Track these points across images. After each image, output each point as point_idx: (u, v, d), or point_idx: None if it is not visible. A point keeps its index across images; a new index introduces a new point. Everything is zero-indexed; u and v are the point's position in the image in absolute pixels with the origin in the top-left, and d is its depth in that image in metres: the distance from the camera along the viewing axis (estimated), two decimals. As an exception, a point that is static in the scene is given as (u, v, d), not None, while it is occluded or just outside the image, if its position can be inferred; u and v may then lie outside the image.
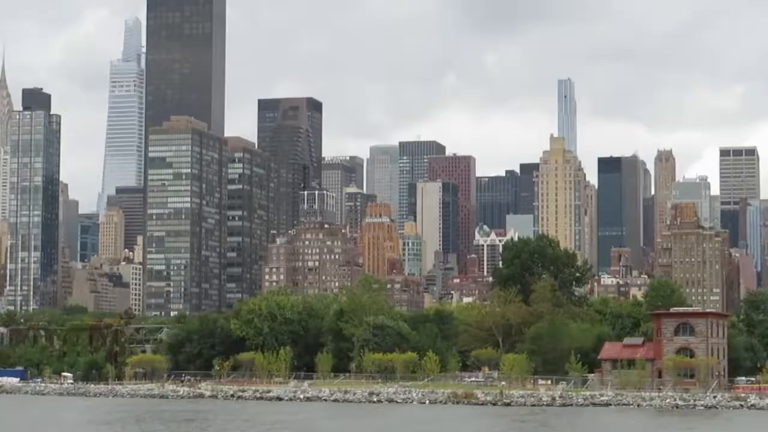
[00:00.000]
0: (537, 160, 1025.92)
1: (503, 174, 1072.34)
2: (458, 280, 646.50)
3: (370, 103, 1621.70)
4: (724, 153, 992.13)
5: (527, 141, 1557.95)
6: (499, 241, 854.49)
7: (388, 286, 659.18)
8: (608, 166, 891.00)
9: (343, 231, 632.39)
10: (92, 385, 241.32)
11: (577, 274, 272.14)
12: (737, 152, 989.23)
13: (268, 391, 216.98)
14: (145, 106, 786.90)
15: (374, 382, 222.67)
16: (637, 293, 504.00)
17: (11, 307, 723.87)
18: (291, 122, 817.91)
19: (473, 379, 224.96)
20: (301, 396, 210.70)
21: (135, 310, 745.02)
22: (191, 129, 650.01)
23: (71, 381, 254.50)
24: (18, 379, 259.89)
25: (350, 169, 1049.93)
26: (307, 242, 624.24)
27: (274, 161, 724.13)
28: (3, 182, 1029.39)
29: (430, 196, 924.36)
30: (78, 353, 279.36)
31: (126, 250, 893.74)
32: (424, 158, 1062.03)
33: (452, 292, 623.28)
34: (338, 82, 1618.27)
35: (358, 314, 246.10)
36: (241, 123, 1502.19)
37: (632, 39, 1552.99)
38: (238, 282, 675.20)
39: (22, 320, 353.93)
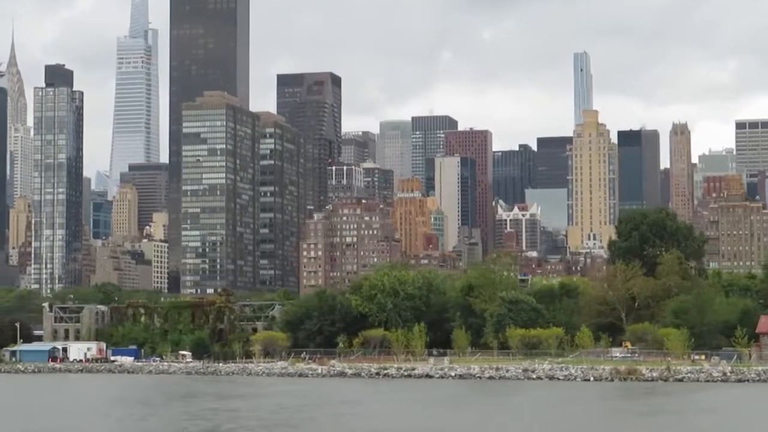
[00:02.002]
0: (550, 134, 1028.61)
1: (516, 148, 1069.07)
2: (495, 255, 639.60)
3: (366, 80, 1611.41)
4: (740, 126, 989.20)
5: (534, 115, 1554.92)
6: (522, 215, 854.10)
7: (424, 261, 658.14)
8: (628, 139, 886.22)
9: (381, 206, 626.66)
10: (221, 364, 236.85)
11: (696, 246, 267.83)
12: (753, 125, 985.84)
13: (413, 369, 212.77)
14: (170, 81, 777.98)
15: (520, 359, 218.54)
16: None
17: (36, 286, 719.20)
18: (316, 97, 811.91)
19: (618, 354, 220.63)
20: (452, 374, 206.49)
21: (156, 287, 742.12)
22: (225, 104, 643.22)
23: (190, 359, 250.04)
24: (132, 358, 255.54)
25: (363, 144, 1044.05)
26: (344, 218, 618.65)
27: (302, 137, 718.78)
28: (23, 159, 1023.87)
29: (449, 170, 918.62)
30: (180, 331, 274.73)
31: (148, 227, 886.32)
32: (438, 133, 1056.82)
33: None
34: (336, 59, 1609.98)
35: (488, 289, 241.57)
36: (258, 99, 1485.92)
37: (629, 14, 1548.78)
38: (270, 258, 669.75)
39: (115, 298, 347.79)
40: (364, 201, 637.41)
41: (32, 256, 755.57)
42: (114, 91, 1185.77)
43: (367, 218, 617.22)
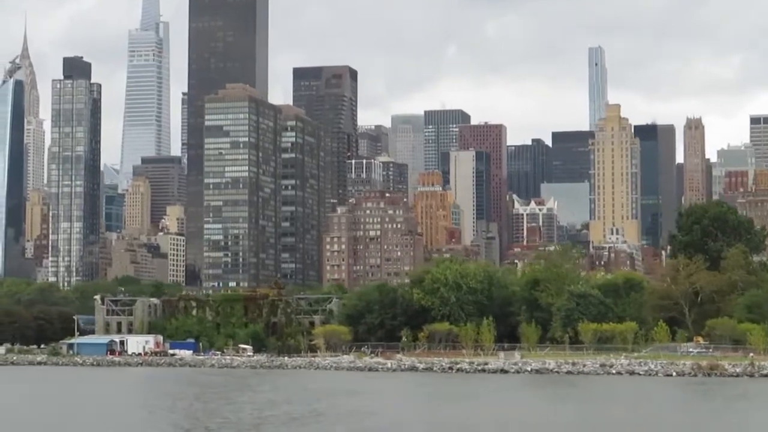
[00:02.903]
0: (563, 129, 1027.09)
1: (528, 143, 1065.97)
2: (518, 249, 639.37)
3: (370, 74, 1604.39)
4: (754, 120, 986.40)
5: (544, 110, 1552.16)
6: (539, 210, 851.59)
7: (447, 255, 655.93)
8: (644, 133, 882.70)
9: (404, 200, 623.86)
10: (287, 358, 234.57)
11: (758, 241, 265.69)
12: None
13: (486, 363, 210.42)
14: (188, 74, 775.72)
15: (593, 354, 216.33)
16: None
17: (53, 278, 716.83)
18: (335, 90, 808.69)
19: (690, 349, 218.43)
20: (528, 368, 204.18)
21: (172, 280, 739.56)
22: (248, 97, 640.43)
23: (251, 353, 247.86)
24: (191, 351, 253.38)
25: (376, 138, 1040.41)
26: (368, 211, 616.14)
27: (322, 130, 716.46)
28: (35, 151, 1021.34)
29: (464, 164, 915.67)
30: (233, 324, 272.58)
31: (164, 219, 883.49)
32: (450, 127, 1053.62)
33: (516, 261, 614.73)
34: (340, 53, 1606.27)
35: (555, 283, 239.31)
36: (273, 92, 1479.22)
37: (631, 10, 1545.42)
38: (291, 252, 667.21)
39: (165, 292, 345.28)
40: (387, 195, 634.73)
41: (49, 248, 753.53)
42: (125, 84, 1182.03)
43: (390, 212, 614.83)
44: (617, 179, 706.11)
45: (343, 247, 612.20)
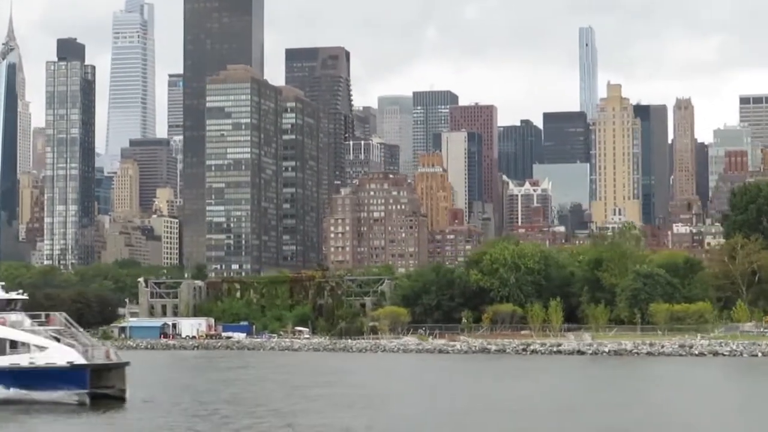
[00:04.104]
0: (551, 110, 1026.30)
1: (517, 124, 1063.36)
2: (523, 230, 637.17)
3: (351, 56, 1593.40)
4: (744, 101, 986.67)
5: (531, 90, 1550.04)
6: (533, 190, 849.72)
7: (451, 236, 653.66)
8: (637, 113, 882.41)
9: (408, 181, 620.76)
10: (350, 340, 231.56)
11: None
12: (757, 99, 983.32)
13: (559, 345, 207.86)
14: (184, 55, 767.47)
15: (665, 335, 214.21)
16: (711, 241, 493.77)
17: (49, 261, 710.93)
18: (331, 71, 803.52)
19: (752, 329, 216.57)
20: (606, 350, 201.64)
21: (166, 263, 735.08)
22: (250, 78, 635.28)
23: (307, 336, 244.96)
24: (245, 334, 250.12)
25: (364, 119, 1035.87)
26: (372, 192, 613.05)
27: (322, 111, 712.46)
28: (22, 134, 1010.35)
29: (456, 146, 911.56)
30: (278, 307, 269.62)
31: (155, 201, 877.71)
32: (439, 108, 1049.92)
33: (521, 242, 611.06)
34: (318, 34, 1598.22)
35: (618, 263, 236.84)
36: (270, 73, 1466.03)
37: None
38: (292, 234, 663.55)
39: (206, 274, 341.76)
40: (391, 176, 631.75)
41: (44, 231, 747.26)
42: (109, 66, 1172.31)
43: (394, 193, 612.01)
44: (618, 159, 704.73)
45: (348, 228, 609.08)
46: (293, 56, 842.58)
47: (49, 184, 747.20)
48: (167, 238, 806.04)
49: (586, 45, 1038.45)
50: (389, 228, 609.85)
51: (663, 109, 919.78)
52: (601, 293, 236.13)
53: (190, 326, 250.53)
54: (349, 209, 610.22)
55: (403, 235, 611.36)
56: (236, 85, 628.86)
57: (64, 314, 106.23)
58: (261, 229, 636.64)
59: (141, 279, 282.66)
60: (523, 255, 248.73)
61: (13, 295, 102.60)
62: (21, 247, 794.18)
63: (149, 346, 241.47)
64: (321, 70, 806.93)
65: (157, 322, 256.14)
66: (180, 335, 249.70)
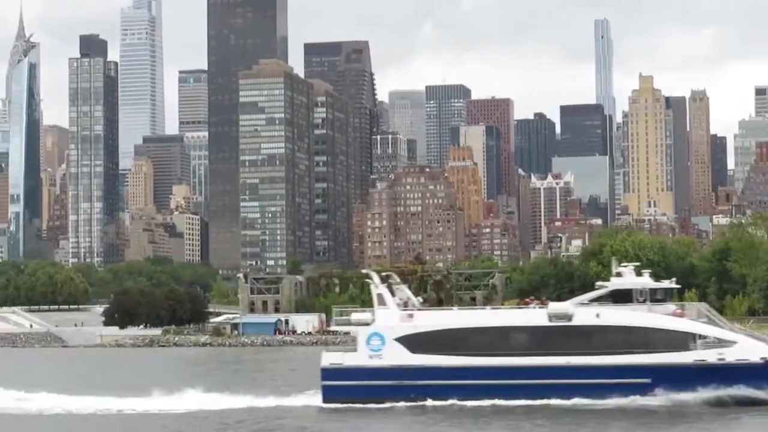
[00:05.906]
0: (566, 103, 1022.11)
1: (531, 117, 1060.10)
2: (560, 223, 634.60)
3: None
4: (759, 92, 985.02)
5: (543, 83, 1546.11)
6: (556, 184, 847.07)
7: (486, 230, 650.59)
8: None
9: (445, 175, 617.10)
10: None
11: None
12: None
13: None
14: (208, 51, 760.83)
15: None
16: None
17: (74, 260, 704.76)
18: (355, 65, 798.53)
19: None
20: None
21: (188, 260, 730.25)
22: (283, 72, 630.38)
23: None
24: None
25: (377, 114, 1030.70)
26: (408, 186, 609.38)
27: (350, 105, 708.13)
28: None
29: (474, 139, 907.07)
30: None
31: (173, 197, 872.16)
32: (452, 102, 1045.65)
33: (559, 235, 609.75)
34: (319, 29, 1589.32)
35: (748, 253, 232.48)
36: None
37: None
38: (323, 229, 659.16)
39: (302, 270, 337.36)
40: (427, 170, 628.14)
41: (68, 229, 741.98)
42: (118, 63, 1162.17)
43: (431, 187, 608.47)
44: (651, 151, 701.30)
45: (384, 223, 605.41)
46: (313, 51, 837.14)
47: (73, 182, 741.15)
48: (189, 234, 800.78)
49: (602, 37, 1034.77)
50: (427, 222, 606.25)
51: (682, 100, 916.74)
52: (728, 284, 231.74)
53: (306, 322, 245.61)
54: (386, 204, 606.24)
55: (441, 229, 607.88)
56: (269, 80, 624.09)
57: (704, 304, 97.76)
58: (295, 224, 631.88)
59: (240, 274, 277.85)
60: (642, 246, 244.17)
61: (666, 284, 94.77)
62: (44, 245, 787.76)
63: (264, 343, 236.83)
64: (345, 64, 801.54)
65: (271, 318, 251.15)
66: (294, 331, 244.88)
